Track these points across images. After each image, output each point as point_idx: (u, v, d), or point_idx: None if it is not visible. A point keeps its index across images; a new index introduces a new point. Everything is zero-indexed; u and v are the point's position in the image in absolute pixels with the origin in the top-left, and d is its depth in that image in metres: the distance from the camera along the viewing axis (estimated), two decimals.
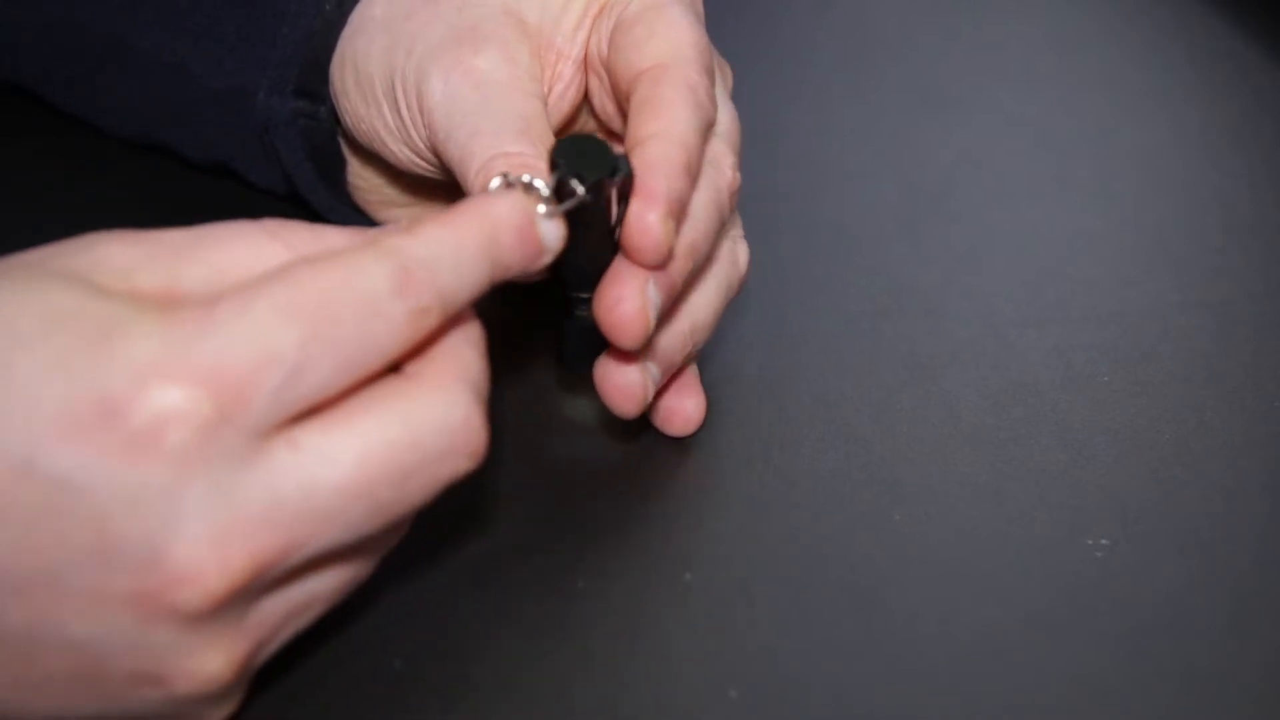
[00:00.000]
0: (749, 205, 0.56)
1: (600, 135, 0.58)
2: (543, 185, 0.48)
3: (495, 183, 0.49)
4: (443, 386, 0.43)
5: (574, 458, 0.56)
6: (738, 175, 0.55)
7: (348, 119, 0.57)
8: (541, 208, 0.47)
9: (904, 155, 0.72)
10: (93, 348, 0.40)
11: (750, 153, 0.55)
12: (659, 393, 0.56)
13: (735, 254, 0.56)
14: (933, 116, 0.74)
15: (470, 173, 0.51)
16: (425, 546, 0.52)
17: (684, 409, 0.56)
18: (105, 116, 0.65)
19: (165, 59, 0.61)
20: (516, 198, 0.46)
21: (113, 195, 0.66)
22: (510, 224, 0.45)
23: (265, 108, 0.59)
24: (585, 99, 0.57)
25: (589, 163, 0.49)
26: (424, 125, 0.53)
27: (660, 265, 0.50)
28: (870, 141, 0.72)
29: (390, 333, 0.42)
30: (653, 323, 0.50)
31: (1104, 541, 0.54)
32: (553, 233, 0.47)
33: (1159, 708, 0.49)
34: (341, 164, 0.60)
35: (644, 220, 0.49)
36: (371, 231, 0.46)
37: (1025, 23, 0.81)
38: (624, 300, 0.50)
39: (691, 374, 0.57)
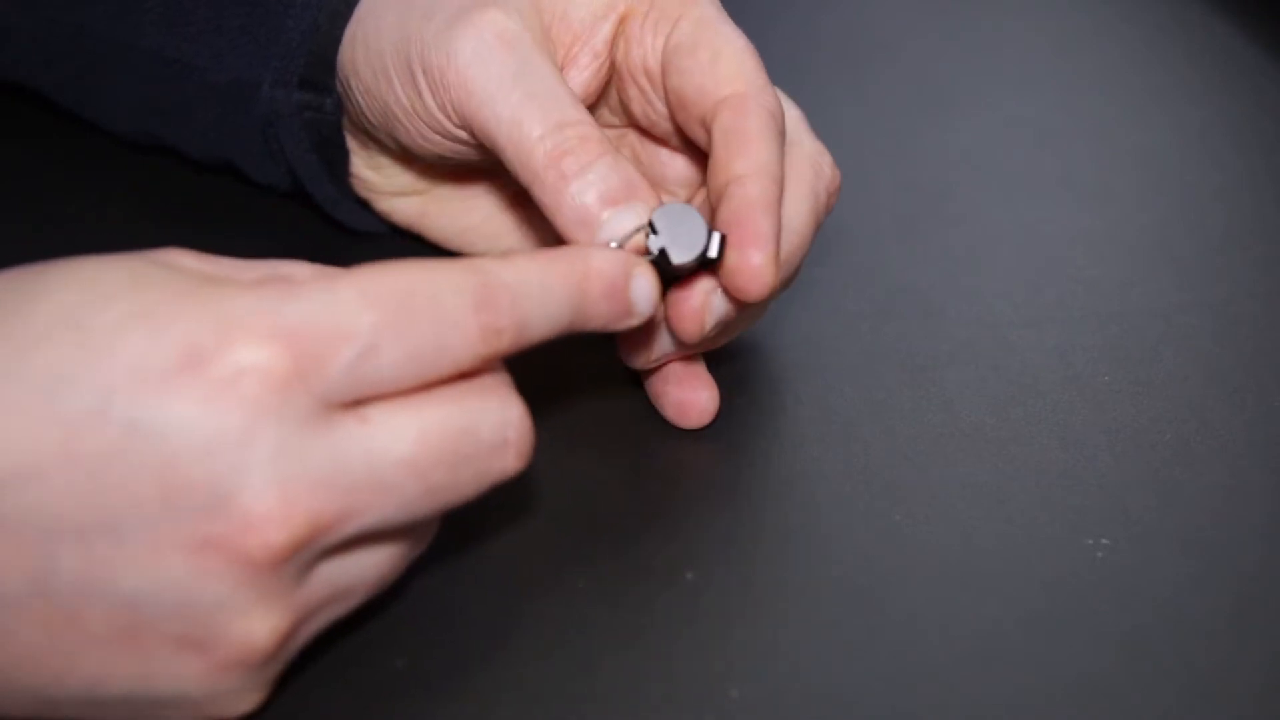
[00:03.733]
0: None
1: (632, 132, 0.58)
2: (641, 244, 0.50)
3: (603, 234, 0.51)
4: (499, 389, 0.45)
5: (574, 458, 0.56)
6: (838, 172, 0.56)
7: (361, 100, 0.57)
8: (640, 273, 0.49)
9: (904, 156, 0.72)
10: (178, 302, 0.42)
11: None
12: (670, 388, 0.56)
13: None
14: (932, 117, 0.74)
15: (529, 138, 0.51)
16: (426, 546, 0.52)
17: (698, 401, 0.56)
18: (107, 114, 0.65)
19: (168, 55, 0.61)
20: (615, 255, 0.48)
21: (113, 195, 0.66)
22: (603, 277, 0.47)
23: (270, 100, 0.59)
24: (602, 95, 0.57)
25: (683, 235, 0.51)
26: (447, 87, 0.53)
27: (766, 300, 0.52)
28: (870, 142, 0.72)
29: (462, 344, 0.44)
30: (709, 326, 0.52)
31: (1104, 541, 0.53)
32: (645, 297, 0.49)
33: (1159, 708, 0.49)
34: (345, 157, 0.61)
35: (753, 264, 0.50)
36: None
37: (1025, 23, 0.81)
38: (687, 299, 0.52)
39: (701, 367, 0.57)
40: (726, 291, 0.52)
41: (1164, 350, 0.61)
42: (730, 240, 0.51)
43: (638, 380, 0.58)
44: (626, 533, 0.54)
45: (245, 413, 0.41)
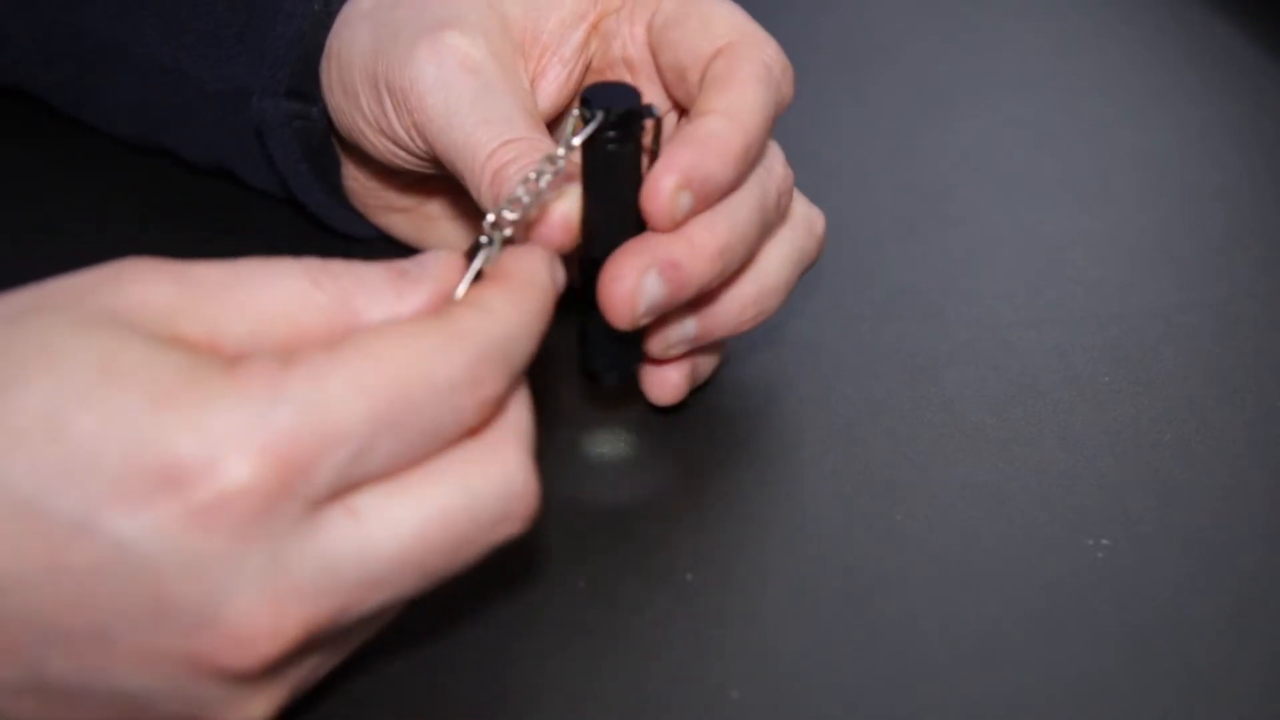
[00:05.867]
0: None
1: None
2: (562, 151, 0.49)
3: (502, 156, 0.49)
4: (502, 451, 0.43)
5: (574, 458, 0.56)
6: (790, 171, 0.54)
7: (333, 113, 0.57)
8: (563, 149, 0.48)
9: (904, 157, 0.72)
10: (158, 408, 0.39)
11: None
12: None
13: (810, 218, 0.56)
14: (932, 118, 0.74)
15: (480, 158, 0.51)
16: None
17: (669, 377, 0.55)
18: (105, 118, 0.65)
19: (165, 63, 0.61)
20: (557, 271, 0.46)
21: (113, 196, 0.66)
22: (554, 291, 0.45)
23: (259, 110, 0.59)
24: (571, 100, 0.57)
25: (617, 101, 0.49)
26: (410, 110, 0.53)
27: (668, 229, 0.50)
28: (870, 143, 0.72)
29: (458, 422, 0.42)
30: (642, 310, 0.50)
31: (1104, 541, 0.53)
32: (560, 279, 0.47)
33: (1159, 708, 0.49)
34: (336, 165, 0.60)
35: (658, 184, 0.49)
36: (416, 268, 0.45)
37: (1024, 24, 0.81)
38: (619, 279, 0.50)
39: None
40: (644, 213, 0.50)
41: (1164, 350, 0.61)
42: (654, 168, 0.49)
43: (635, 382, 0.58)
44: (626, 533, 0.54)
45: (231, 534, 0.39)
